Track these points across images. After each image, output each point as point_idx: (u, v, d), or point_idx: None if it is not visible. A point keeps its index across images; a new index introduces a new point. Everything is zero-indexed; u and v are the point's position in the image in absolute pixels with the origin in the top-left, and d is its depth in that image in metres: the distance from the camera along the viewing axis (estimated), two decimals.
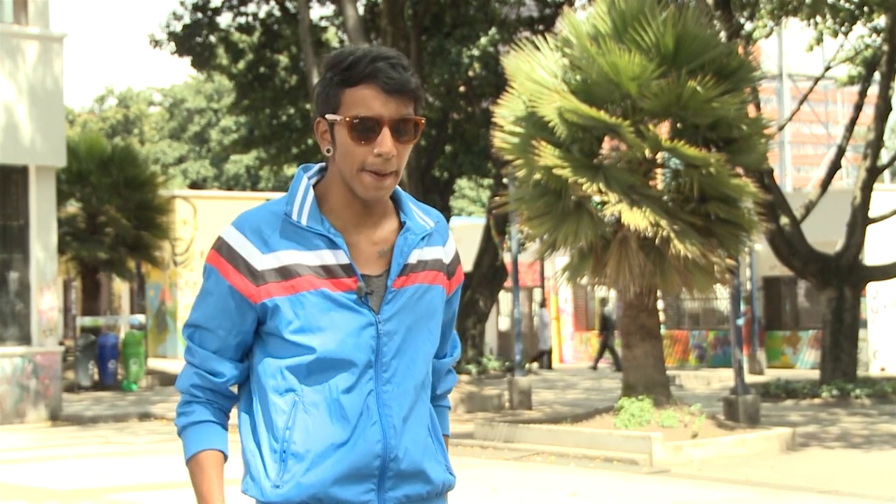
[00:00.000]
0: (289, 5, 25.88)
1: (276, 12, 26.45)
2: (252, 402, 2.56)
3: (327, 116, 2.49)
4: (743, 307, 21.09)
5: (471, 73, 24.09)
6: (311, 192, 2.52)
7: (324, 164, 2.59)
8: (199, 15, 25.78)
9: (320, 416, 2.46)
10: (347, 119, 2.44)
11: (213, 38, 26.37)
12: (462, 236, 29.52)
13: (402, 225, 2.56)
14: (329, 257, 2.48)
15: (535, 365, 29.06)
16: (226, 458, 2.56)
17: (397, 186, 2.61)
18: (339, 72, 2.47)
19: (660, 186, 14.02)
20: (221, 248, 2.51)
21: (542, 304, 29.92)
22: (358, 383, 2.48)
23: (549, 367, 29.18)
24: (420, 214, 2.61)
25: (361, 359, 2.48)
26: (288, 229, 2.48)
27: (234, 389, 2.63)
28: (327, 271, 2.47)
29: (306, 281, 2.46)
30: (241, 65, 27.18)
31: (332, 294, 2.47)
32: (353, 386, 2.47)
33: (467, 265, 25.50)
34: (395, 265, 2.51)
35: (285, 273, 2.47)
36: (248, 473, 2.53)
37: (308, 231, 2.48)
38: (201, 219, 32.72)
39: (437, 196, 26.15)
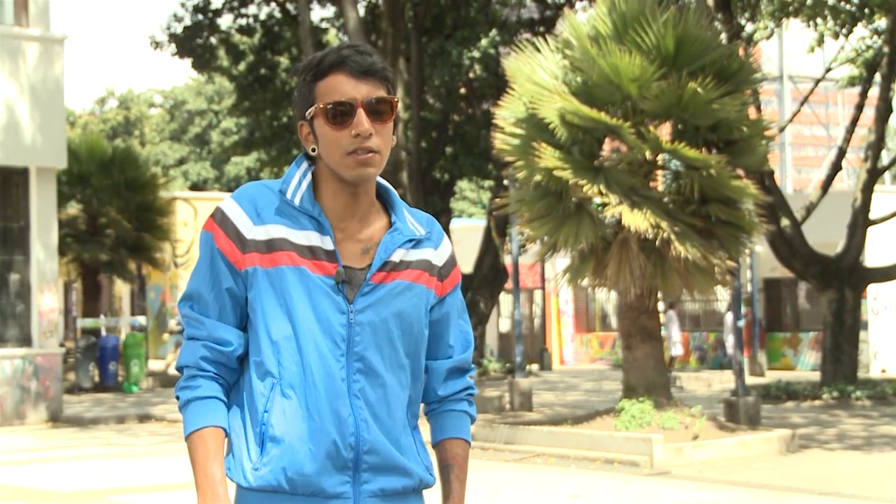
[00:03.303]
0: (289, 7, 25.90)
1: (277, 14, 26.47)
2: (238, 383, 2.59)
3: (306, 115, 2.55)
4: (743, 309, 21.08)
5: (471, 75, 24.11)
6: (309, 177, 2.58)
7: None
8: (200, 16, 25.80)
9: (296, 400, 2.49)
10: (322, 106, 2.50)
11: (213, 40, 26.40)
12: (462, 238, 29.52)
13: (391, 225, 2.60)
14: (316, 239, 2.52)
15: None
16: (227, 434, 2.56)
17: (393, 189, 2.65)
18: (309, 70, 2.55)
19: (660, 188, 14.02)
20: (216, 214, 2.57)
21: (672, 305, 27.55)
22: (330, 369, 2.49)
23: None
24: (411, 220, 2.64)
25: (332, 345, 2.50)
26: (282, 206, 2.54)
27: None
28: (311, 252, 2.51)
29: (287, 256, 2.50)
30: (242, 66, 27.20)
31: (311, 274, 2.50)
32: (326, 371, 2.49)
33: (468, 267, 25.47)
34: (378, 259, 2.54)
35: (270, 245, 2.51)
36: (231, 454, 2.55)
37: (300, 211, 2.53)
38: (202, 220, 32.66)
39: (438, 198, 26.16)
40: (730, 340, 26.36)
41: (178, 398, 2.57)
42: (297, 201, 2.53)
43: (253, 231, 2.52)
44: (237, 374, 2.59)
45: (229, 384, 2.59)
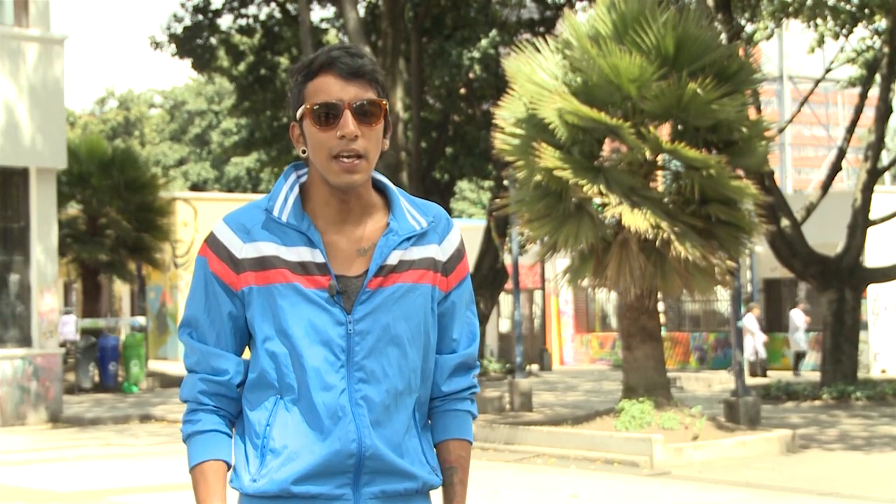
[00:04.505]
0: (289, 7, 25.90)
1: (277, 14, 26.47)
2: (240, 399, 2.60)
3: (296, 116, 2.54)
4: (743, 309, 21.07)
5: (471, 75, 24.11)
6: (296, 190, 2.57)
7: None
8: (200, 17, 25.79)
9: (299, 415, 2.50)
10: (309, 107, 2.50)
11: (213, 40, 26.39)
12: (463, 238, 29.49)
13: (387, 225, 2.57)
14: (306, 254, 2.51)
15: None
16: (229, 467, 2.57)
17: (391, 185, 2.63)
18: (301, 71, 2.55)
19: (660, 188, 14.02)
20: (209, 239, 2.58)
21: (796, 306, 26.62)
22: (330, 382, 2.49)
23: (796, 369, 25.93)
24: (412, 214, 2.61)
25: (331, 357, 2.49)
26: (269, 224, 2.53)
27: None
28: (303, 268, 2.51)
29: (280, 274, 2.50)
30: (242, 67, 27.19)
31: (305, 290, 2.50)
32: (325, 384, 2.49)
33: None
34: (373, 265, 2.52)
35: (262, 263, 2.51)
36: (234, 466, 2.57)
37: (288, 227, 2.52)
38: (202, 221, 32.71)
39: (438, 198, 26.14)
40: (794, 338, 26.15)
41: (182, 433, 2.60)
42: (284, 217, 2.52)
43: (244, 250, 2.52)
44: (238, 403, 2.59)
45: (231, 414, 2.59)
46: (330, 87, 2.49)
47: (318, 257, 2.50)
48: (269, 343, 2.51)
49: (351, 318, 2.50)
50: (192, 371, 2.58)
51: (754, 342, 25.72)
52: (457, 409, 2.68)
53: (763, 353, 26.22)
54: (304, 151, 2.56)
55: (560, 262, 22.16)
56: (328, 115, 2.48)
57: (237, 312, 2.55)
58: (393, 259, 2.54)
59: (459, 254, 2.67)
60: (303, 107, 2.51)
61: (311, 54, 2.58)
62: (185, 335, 2.59)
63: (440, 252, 2.62)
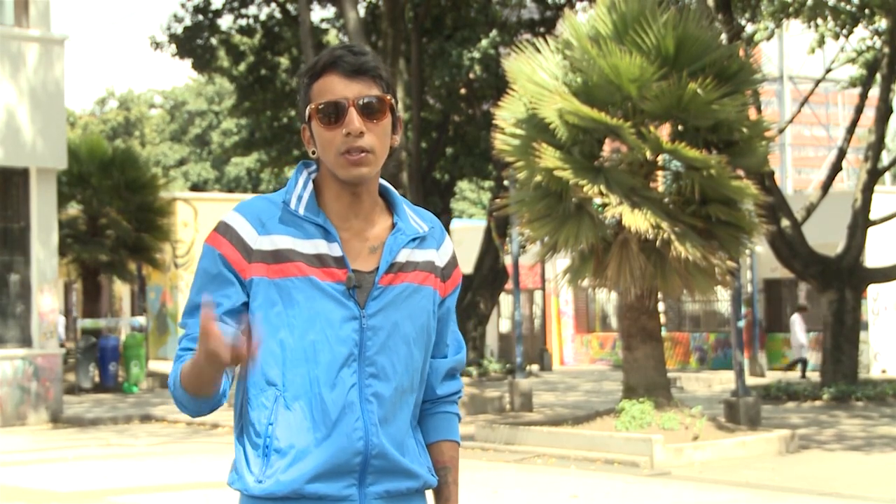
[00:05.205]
0: (290, 7, 25.91)
1: (277, 14, 26.49)
2: (239, 397, 2.58)
3: (305, 117, 2.56)
4: (744, 309, 21.07)
5: (471, 76, 24.14)
6: (311, 185, 2.58)
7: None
8: (200, 17, 25.82)
9: (302, 412, 2.48)
10: (315, 106, 2.52)
11: (213, 41, 26.42)
12: (463, 238, 29.53)
13: (394, 225, 2.60)
14: (323, 247, 2.52)
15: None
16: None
17: (393, 189, 2.66)
18: (307, 73, 2.57)
19: (661, 188, 14.02)
20: (219, 227, 2.56)
21: (800, 309, 25.73)
22: (340, 377, 2.49)
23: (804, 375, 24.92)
24: (414, 217, 2.65)
25: (343, 352, 2.49)
26: (286, 217, 2.54)
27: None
28: (320, 260, 2.51)
29: (296, 267, 2.50)
30: (242, 67, 27.22)
31: (320, 283, 2.50)
32: (335, 380, 2.48)
33: (468, 267, 25.48)
34: (384, 262, 2.54)
35: (277, 256, 2.50)
36: (234, 466, 2.55)
37: (305, 220, 2.53)
38: (202, 221, 32.72)
39: (438, 198, 26.17)
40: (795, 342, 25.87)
41: (172, 384, 2.51)
42: (301, 210, 2.53)
43: (258, 241, 2.51)
44: None
45: None
46: (334, 86, 2.51)
47: (335, 250, 2.52)
48: (275, 336, 2.49)
49: (364, 312, 2.52)
50: (181, 343, 2.52)
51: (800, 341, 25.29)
52: (447, 411, 2.73)
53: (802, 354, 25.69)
54: (313, 152, 2.57)
55: (560, 262, 22.16)
56: (333, 113, 2.50)
57: (240, 297, 2.53)
58: (402, 257, 2.57)
59: (454, 261, 2.72)
60: (309, 107, 2.53)
61: (311, 55, 2.60)
62: (186, 319, 2.53)
63: (438, 257, 2.66)
